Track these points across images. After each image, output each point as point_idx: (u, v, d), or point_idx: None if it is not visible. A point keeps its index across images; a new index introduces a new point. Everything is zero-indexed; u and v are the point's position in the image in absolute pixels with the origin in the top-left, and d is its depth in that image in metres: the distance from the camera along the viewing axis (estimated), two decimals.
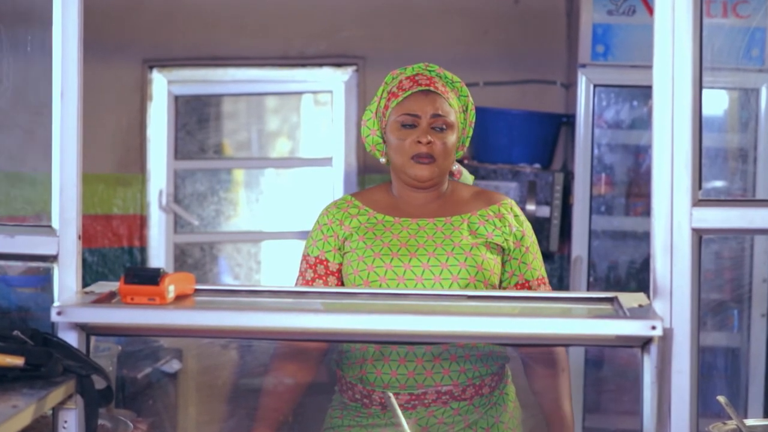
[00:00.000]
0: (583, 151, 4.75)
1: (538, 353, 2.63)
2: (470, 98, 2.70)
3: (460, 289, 2.51)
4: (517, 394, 2.66)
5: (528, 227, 2.67)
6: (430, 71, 2.66)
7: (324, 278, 2.61)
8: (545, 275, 2.69)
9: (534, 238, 2.68)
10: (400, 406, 2.51)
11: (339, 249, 2.62)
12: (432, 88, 2.61)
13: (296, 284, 2.65)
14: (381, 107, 2.66)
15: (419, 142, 2.58)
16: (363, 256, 2.56)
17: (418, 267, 2.54)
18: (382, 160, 2.70)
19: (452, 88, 2.66)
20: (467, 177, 2.76)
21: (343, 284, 2.62)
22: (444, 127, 2.60)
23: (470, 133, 2.71)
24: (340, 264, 2.62)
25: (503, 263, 2.63)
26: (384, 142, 2.68)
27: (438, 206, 2.66)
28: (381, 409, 2.55)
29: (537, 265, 2.66)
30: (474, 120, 2.73)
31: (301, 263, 2.67)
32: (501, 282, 2.64)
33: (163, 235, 5.30)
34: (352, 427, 2.59)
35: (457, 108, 2.65)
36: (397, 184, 2.68)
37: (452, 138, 2.62)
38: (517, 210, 2.67)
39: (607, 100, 4.80)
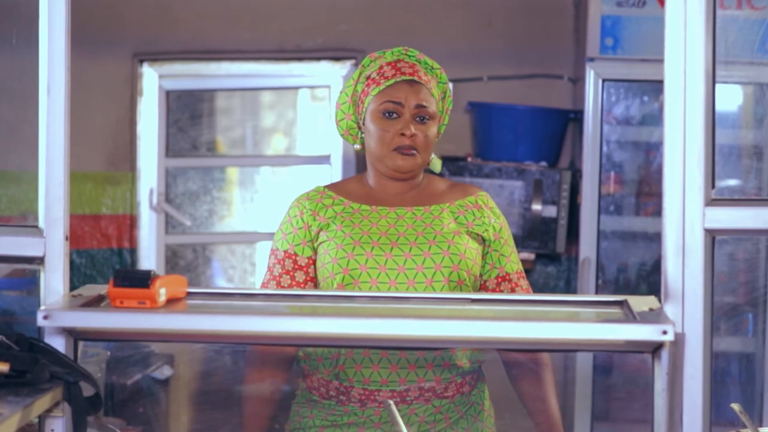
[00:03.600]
0: (592, 149, 4.75)
1: (522, 355, 2.65)
2: (449, 84, 2.73)
3: (444, 278, 2.54)
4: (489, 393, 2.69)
5: (504, 220, 2.71)
6: (410, 56, 2.67)
7: (291, 273, 2.61)
8: (522, 269, 2.72)
9: (510, 231, 2.73)
10: (380, 404, 2.53)
11: (310, 242, 2.62)
12: (416, 78, 2.63)
13: (264, 280, 2.65)
14: (359, 92, 2.68)
15: (403, 134, 2.61)
16: (342, 244, 2.57)
17: (399, 256, 2.56)
18: (357, 146, 2.73)
19: (432, 74, 2.69)
20: (435, 162, 2.77)
21: (315, 279, 2.62)
22: (427, 118, 2.63)
23: (447, 120, 2.74)
24: (310, 258, 2.62)
25: (483, 255, 2.67)
26: (358, 128, 2.70)
27: (415, 196, 2.69)
28: (360, 407, 2.55)
29: (515, 259, 2.71)
30: (450, 107, 2.76)
31: (270, 257, 2.67)
32: (481, 275, 2.67)
33: (154, 235, 5.30)
34: (326, 428, 2.58)
35: (437, 95, 2.68)
36: (373, 173, 2.71)
37: (434, 129, 2.66)
38: (493, 203, 2.73)
39: (616, 96, 4.80)
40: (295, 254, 2.62)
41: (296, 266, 2.62)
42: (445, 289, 2.54)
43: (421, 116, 2.62)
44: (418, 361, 2.54)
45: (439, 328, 1.95)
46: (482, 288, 2.68)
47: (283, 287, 2.60)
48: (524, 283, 2.71)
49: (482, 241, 2.66)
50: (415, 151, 2.62)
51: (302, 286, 2.60)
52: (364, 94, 2.66)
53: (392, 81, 2.63)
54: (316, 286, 2.62)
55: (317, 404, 2.60)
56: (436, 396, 2.56)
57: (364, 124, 2.67)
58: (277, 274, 2.63)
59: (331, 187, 2.73)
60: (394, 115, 2.62)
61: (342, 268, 2.55)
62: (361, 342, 2.27)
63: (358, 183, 2.74)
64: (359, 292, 2.47)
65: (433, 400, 2.56)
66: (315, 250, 2.62)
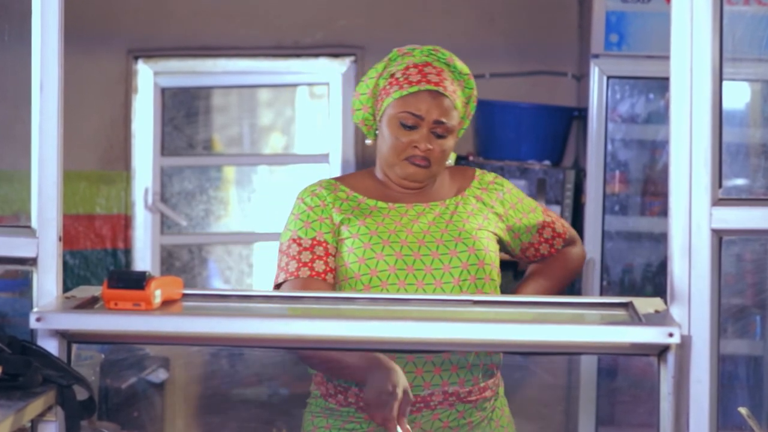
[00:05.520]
0: (596, 147, 4.75)
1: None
2: (475, 90, 2.70)
3: (470, 276, 2.54)
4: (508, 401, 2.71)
5: (506, 182, 2.74)
6: (439, 59, 2.63)
7: (324, 259, 2.55)
8: (544, 208, 2.78)
9: (514, 186, 2.76)
10: None
11: (335, 233, 2.58)
12: (440, 89, 2.59)
13: (290, 269, 2.55)
14: (380, 87, 2.64)
15: (416, 146, 2.58)
16: (369, 243, 2.54)
17: (427, 256, 2.54)
18: (368, 141, 2.71)
19: (459, 79, 2.65)
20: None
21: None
22: (445, 134, 2.61)
23: (467, 125, 2.72)
24: (336, 248, 2.57)
25: (514, 231, 2.70)
26: (374, 120, 2.67)
27: (425, 191, 2.67)
28: None
29: (534, 204, 2.76)
30: (473, 112, 2.73)
31: (289, 247, 2.58)
32: (526, 248, 2.72)
33: (149, 236, 5.30)
34: None
35: (460, 105, 2.64)
36: (382, 173, 2.68)
37: (451, 142, 2.63)
38: (489, 175, 2.74)
39: (621, 93, 4.80)
40: (326, 242, 2.57)
41: (327, 253, 2.56)
42: (471, 288, 2.54)
43: (440, 132, 2.59)
44: (444, 363, 2.53)
45: (441, 331, 1.95)
46: (526, 250, 2.73)
47: (318, 273, 2.54)
48: (554, 215, 2.78)
49: (500, 225, 2.68)
50: (427, 163, 2.59)
51: (333, 273, 2.56)
52: (385, 93, 2.62)
53: (415, 88, 2.58)
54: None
55: (334, 412, 2.58)
56: (459, 400, 2.55)
57: (380, 121, 2.64)
58: (307, 260, 2.55)
59: (341, 180, 2.68)
60: (412, 126, 2.59)
61: (371, 269, 2.52)
62: (358, 345, 2.27)
63: (369, 178, 2.69)
64: (358, 294, 2.46)
65: (457, 404, 2.55)
66: (337, 243, 2.59)
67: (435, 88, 2.59)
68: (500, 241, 2.68)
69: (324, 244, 2.57)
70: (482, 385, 2.58)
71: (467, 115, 2.70)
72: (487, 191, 2.69)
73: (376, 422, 2.39)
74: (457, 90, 2.63)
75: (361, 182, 2.68)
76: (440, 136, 2.60)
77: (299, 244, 2.57)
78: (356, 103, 2.69)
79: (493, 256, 2.60)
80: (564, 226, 2.78)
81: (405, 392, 2.37)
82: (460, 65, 2.66)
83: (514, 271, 4.93)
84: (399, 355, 2.50)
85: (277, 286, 2.57)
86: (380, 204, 2.63)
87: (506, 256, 2.73)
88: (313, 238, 2.57)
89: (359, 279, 2.53)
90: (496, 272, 2.60)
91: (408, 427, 2.36)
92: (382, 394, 2.37)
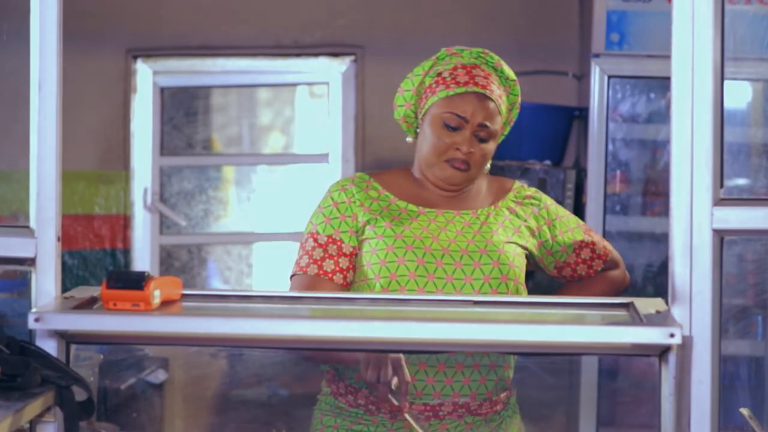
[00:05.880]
0: (597, 147, 4.75)
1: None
2: (519, 98, 2.69)
3: (491, 290, 2.52)
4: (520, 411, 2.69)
5: (545, 198, 2.70)
6: (488, 63, 2.63)
7: (335, 259, 2.55)
8: (586, 226, 2.73)
9: (555, 203, 2.72)
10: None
11: (356, 232, 2.57)
12: (488, 92, 2.58)
13: (302, 263, 2.58)
14: (425, 85, 2.62)
15: (458, 149, 2.57)
16: (393, 246, 2.53)
17: (449, 265, 2.53)
18: (408, 139, 2.69)
19: (505, 84, 2.64)
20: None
21: (354, 269, 2.57)
22: (487, 138, 2.59)
23: (507, 132, 2.71)
24: (354, 248, 2.57)
25: (547, 248, 2.66)
26: (416, 118, 2.66)
27: (460, 197, 2.65)
28: (390, 418, 2.52)
29: (573, 224, 2.70)
30: (515, 119, 2.72)
31: (306, 241, 2.59)
32: (562, 267, 2.68)
33: (148, 236, 5.30)
34: None
35: (504, 110, 2.63)
36: (419, 173, 2.66)
37: (492, 147, 2.61)
38: (528, 189, 2.70)
39: (622, 92, 4.80)
40: (341, 241, 2.56)
41: (341, 252, 2.56)
42: None
43: (483, 135, 2.58)
44: (456, 374, 2.52)
45: (440, 331, 1.95)
46: (562, 269, 2.68)
47: (326, 272, 2.54)
48: (597, 236, 2.73)
49: (532, 238, 2.65)
50: (467, 166, 2.58)
51: (344, 273, 2.55)
52: (431, 91, 2.60)
53: (462, 90, 2.57)
54: (351, 281, 2.58)
55: (343, 412, 2.57)
56: (469, 412, 2.54)
57: (422, 119, 2.62)
58: (318, 258, 2.56)
59: (376, 178, 2.67)
60: (455, 128, 2.57)
61: (390, 273, 2.51)
62: (357, 346, 2.27)
63: (404, 178, 2.67)
64: (357, 294, 2.46)
65: (466, 416, 2.54)
66: (359, 243, 2.58)
67: (482, 90, 2.58)
68: (531, 257, 2.66)
69: (338, 243, 2.57)
70: (494, 399, 2.57)
71: (509, 121, 2.69)
72: (522, 205, 2.67)
73: (368, 383, 2.41)
74: (502, 95, 2.62)
75: (396, 181, 2.66)
76: (482, 140, 2.59)
77: (315, 240, 2.58)
78: (399, 99, 2.67)
79: (518, 271, 2.57)
80: (606, 248, 2.72)
81: (403, 365, 2.39)
82: (507, 70, 2.65)
83: None
84: (411, 361, 2.49)
85: (291, 278, 2.60)
86: (410, 207, 2.61)
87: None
88: (330, 236, 2.57)
89: (378, 281, 2.52)
90: (521, 287, 2.58)
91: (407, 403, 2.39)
92: (379, 356, 2.38)
